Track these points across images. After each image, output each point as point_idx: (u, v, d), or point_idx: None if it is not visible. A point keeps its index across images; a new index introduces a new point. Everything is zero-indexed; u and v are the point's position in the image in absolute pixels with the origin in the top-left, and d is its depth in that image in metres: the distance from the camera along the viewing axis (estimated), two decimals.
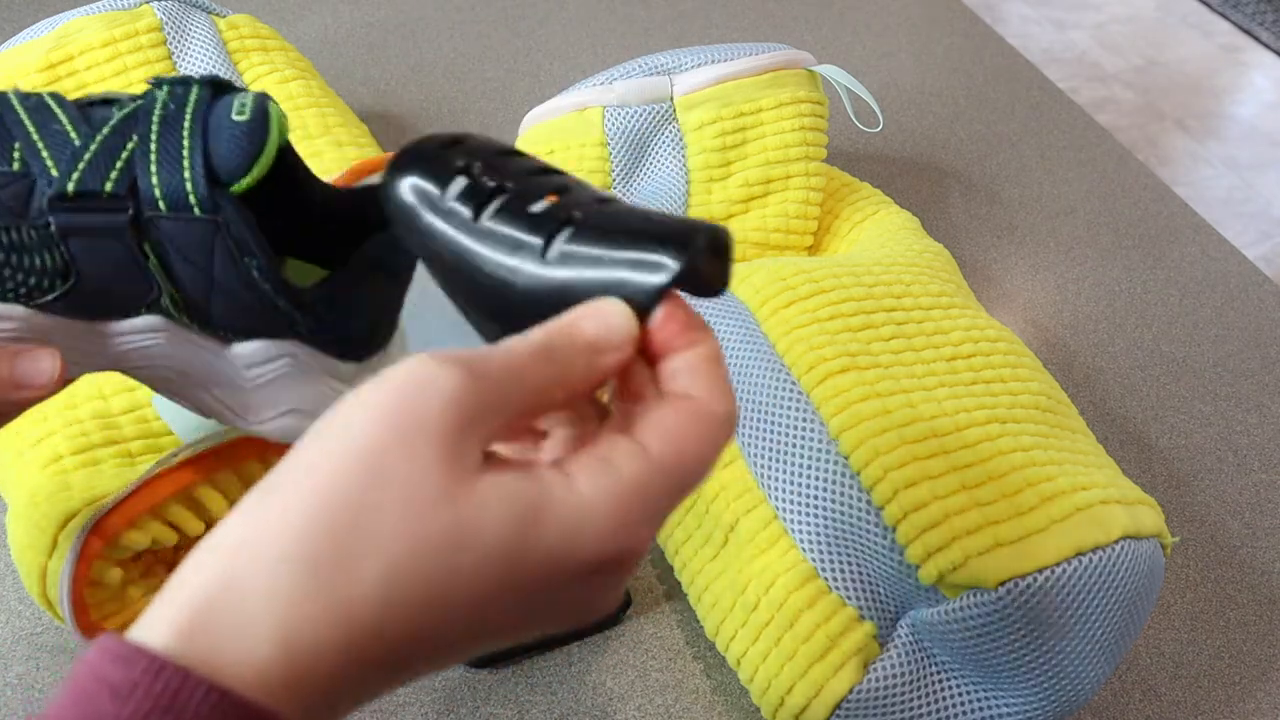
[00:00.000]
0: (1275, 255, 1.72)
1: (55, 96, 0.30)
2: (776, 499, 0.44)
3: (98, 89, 0.56)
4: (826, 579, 0.43)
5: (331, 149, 0.54)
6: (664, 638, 0.48)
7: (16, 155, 0.29)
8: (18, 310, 0.30)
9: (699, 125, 0.57)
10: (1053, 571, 0.38)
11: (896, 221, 0.59)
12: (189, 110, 0.29)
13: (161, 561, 0.44)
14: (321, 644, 0.19)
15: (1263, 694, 0.49)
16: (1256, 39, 2.21)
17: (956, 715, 0.41)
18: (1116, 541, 0.39)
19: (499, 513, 0.21)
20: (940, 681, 0.42)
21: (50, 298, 0.30)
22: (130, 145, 0.29)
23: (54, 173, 0.29)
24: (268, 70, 0.58)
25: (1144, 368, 0.64)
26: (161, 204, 0.29)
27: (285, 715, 0.19)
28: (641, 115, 0.58)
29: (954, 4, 0.92)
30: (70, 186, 0.29)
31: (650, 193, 0.59)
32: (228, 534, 0.21)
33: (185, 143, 0.29)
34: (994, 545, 0.39)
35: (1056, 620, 0.38)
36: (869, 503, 0.42)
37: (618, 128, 0.58)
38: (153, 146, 0.29)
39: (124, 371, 0.34)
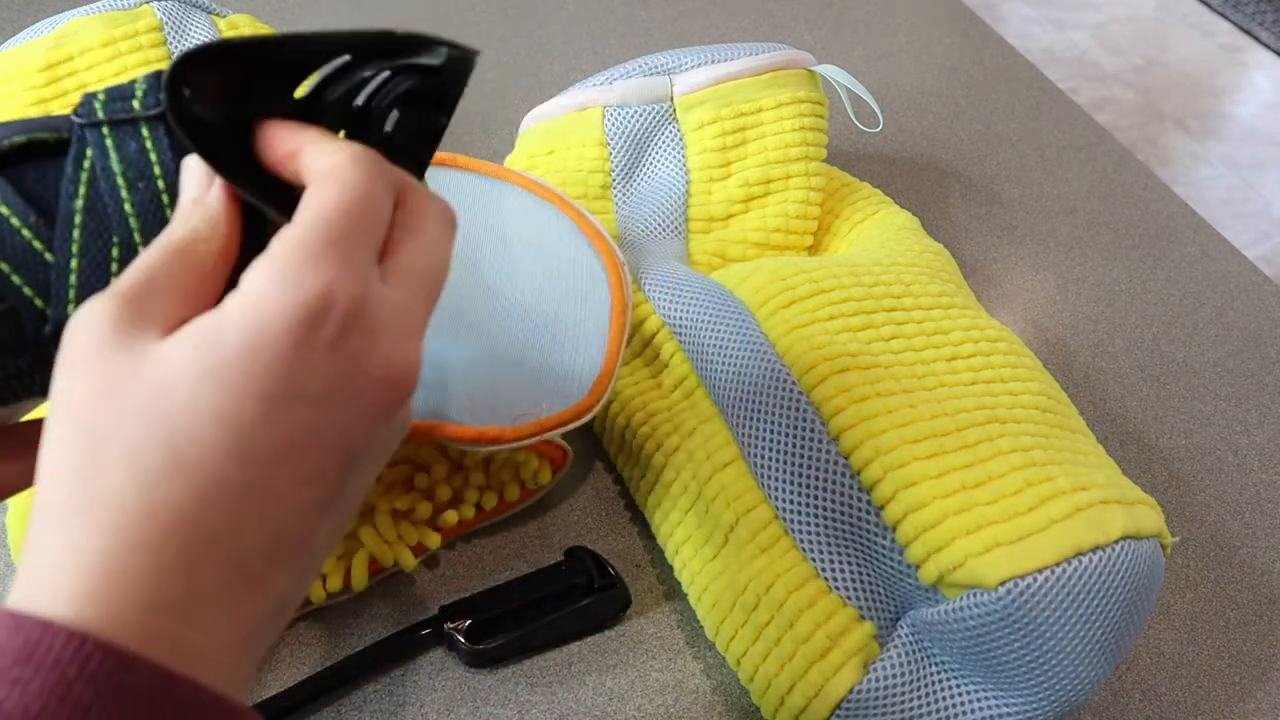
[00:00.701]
0: (1275, 255, 1.72)
1: None
2: (776, 499, 0.44)
3: (98, 89, 0.56)
4: (826, 579, 0.43)
5: None
6: (664, 638, 0.48)
7: None
8: None
9: (699, 125, 0.57)
10: (1053, 571, 0.38)
11: (896, 221, 0.59)
12: (154, 161, 0.26)
13: None
14: (108, 550, 0.20)
15: (1263, 694, 0.49)
16: (1256, 39, 2.21)
17: (956, 715, 0.41)
18: (1116, 541, 0.39)
19: (183, 350, 0.22)
20: (940, 681, 0.42)
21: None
22: (114, 248, 0.26)
23: (42, 306, 0.26)
24: None
25: (1144, 368, 0.64)
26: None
27: (99, 628, 0.19)
28: (641, 115, 0.58)
29: (954, 4, 0.92)
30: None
31: (650, 192, 0.59)
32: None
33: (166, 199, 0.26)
34: (994, 545, 0.39)
35: (1056, 620, 0.38)
36: (869, 503, 0.42)
37: (618, 128, 0.58)
38: (138, 241, 0.26)
39: None
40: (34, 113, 0.54)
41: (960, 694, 0.41)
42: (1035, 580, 0.38)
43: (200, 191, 0.25)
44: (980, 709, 0.41)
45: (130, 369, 0.21)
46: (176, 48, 0.58)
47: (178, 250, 0.24)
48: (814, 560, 0.44)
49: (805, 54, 0.60)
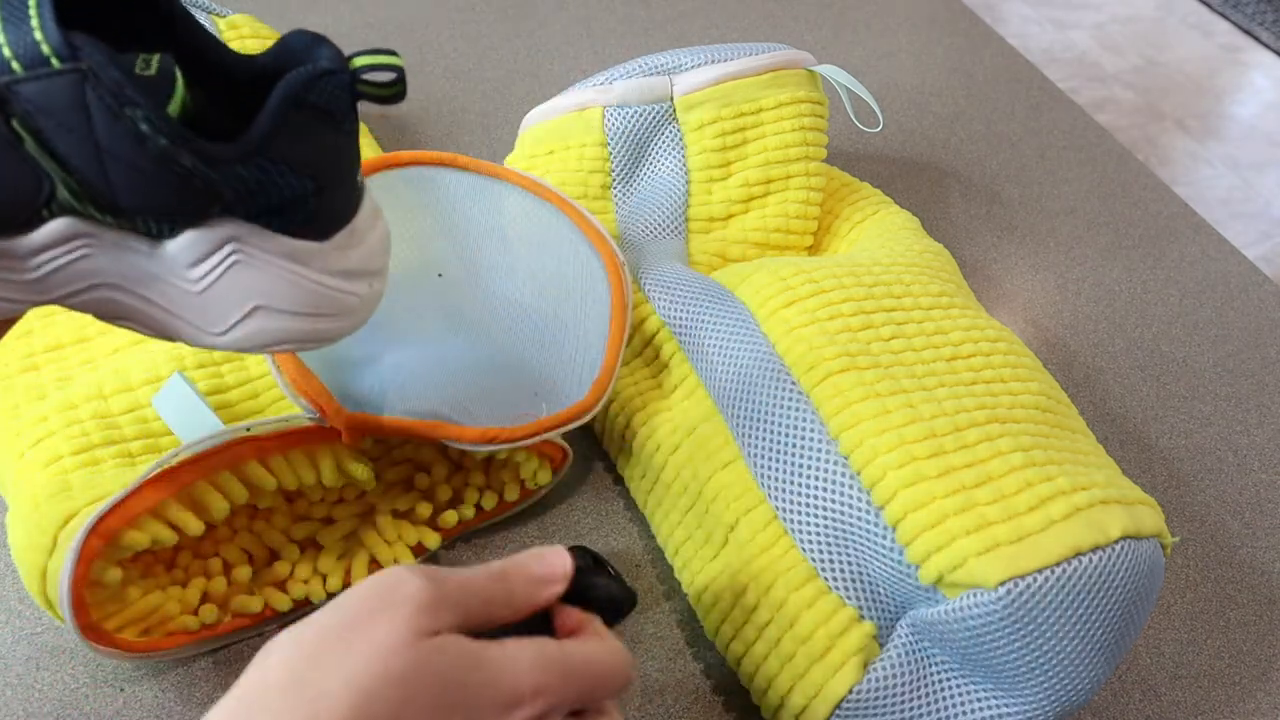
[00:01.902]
0: (1275, 255, 1.72)
1: None
2: (776, 499, 0.44)
3: None
4: (826, 579, 0.43)
5: None
6: (664, 638, 0.48)
7: None
8: None
9: (699, 125, 0.57)
10: (1052, 572, 0.38)
11: (896, 221, 0.59)
12: None
13: (161, 561, 0.44)
14: None
15: (1263, 694, 0.49)
16: (1256, 39, 2.21)
17: (956, 715, 0.41)
18: (1116, 542, 0.39)
19: (450, 656, 0.28)
20: (940, 681, 0.42)
21: None
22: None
23: None
24: None
25: (1144, 368, 0.64)
26: (15, 64, 0.25)
27: None
28: (641, 115, 0.58)
29: (954, 4, 0.92)
30: None
31: (650, 193, 0.59)
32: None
33: None
34: (993, 545, 0.39)
35: (1056, 620, 0.38)
36: (869, 503, 0.42)
37: (618, 128, 0.58)
38: None
39: (68, 305, 0.30)
40: None
41: (960, 694, 0.41)
42: (1035, 580, 0.38)
43: (558, 577, 0.34)
44: (980, 709, 0.41)
45: (412, 641, 0.28)
46: None
47: (485, 599, 0.31)
48: (814, 560, 0.44)
49: (805, 54, 0.60)
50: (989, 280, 0.68)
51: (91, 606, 0.40)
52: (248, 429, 0.41)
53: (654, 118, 0.58)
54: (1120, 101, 2.02)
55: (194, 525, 0.41)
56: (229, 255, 0.29)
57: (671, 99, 0.58)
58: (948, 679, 0.42)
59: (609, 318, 0.50)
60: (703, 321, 0.49)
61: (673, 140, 0.58)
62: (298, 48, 0.29)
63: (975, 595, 0.39)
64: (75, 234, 0.28)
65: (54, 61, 0.25)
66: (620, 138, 0.58)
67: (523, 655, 0.30)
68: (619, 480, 0.54)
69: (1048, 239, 0.71)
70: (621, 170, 0.59)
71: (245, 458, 0.42)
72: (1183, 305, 0.68)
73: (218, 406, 0.45)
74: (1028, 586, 0.38)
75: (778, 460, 0.44)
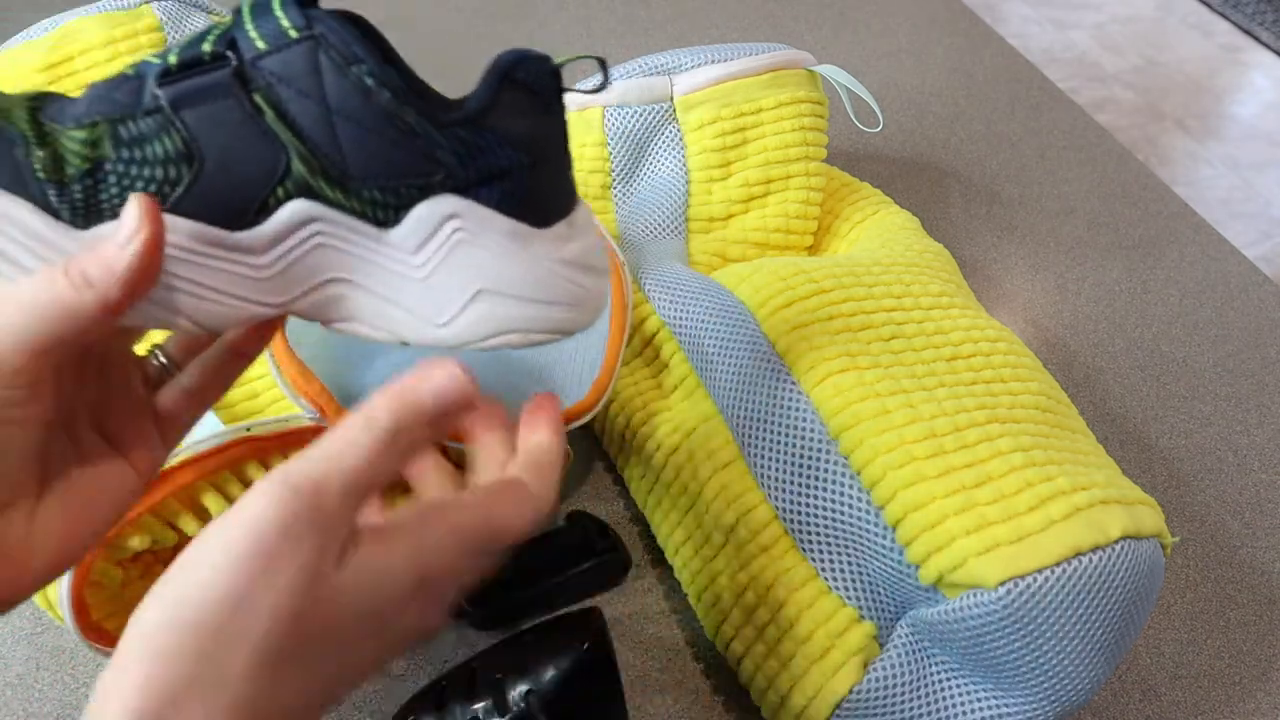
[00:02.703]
0: (1275, 255, 1.72)
1: None
2: (776, 499, 0.44)
3: None
4: (826, 579, 0.43)
5: None
6: (664, 638, 0.48)
7: (130, 71, 0.29)
8: None
9: (699, 125, 0.57)
10: (1052, 572, 0.38)
11: (896, 221, 0.59)
12: None
13: (161, 561, 0.45)
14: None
15: (1263, 694, 0.49)
16: (1256, 39, 2.21)
17: (956, 715, 0.41)
18: (1116, 542, 0.39)
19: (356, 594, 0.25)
20: (940, 681, 0.42)
21: (180, 190, 0.28)
22: (226, 19, 0.29)
23: (157, 61, 0.29)
24: None
25: (1144, 368, 0.64)
26: (260, 43, 0.28)
27: None
28: (641, 115, 0.58)
29: (954, 4, 0.92)
30: (173, 59, 0.28)
31: (650, 192, 0.59)
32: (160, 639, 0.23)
33: None
34: (993, 545, 0.39)
35: (1056, 620, 0.38)
36: (869, 503, 0.42)
37: (618, 127, 0.58)
38: (245, 11, 0.29)
39: (298, 309, 0.30)
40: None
41: (960, 694, 0.41)
42: (1035, 580, 0.38)
43: (456, 405, 0.29)
44: (980, 709, 0.41)
45: (310, 591, 0.24)
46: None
47: (382, 471, 0.27)
48: (814, 560, 0.44)
49: (805, 54, 0.60)
50: (989, 280, 0.68)
51: (92, 606, 0.40)
52: (247, 429, 0.41)
53: (654, 118, 0.58)
54: (1120, 101, 2.02)
55: (194, 525, 0.41)
56: (452, 234, 0.30)
57: (671, 99, 0.58)
58: (948, 679, 0.42)
59: (609, 318, 0.50)
60: (703, 321, 0.49)
61: (673, 140, 0.58)
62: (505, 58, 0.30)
63: (975, 595, 0.39)
64: (308, 217, 0.29)
65: (292, 33, 0.28)
66: (620, 137, 0.58)
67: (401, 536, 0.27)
68: (619, 480, 0.54)
69: (1048, 239, 0.71)
70: (621, 170, 0.59)
71: (245, 458, 0.42)
72: (1183, 305, 0.68)
73: (217, 406, 0.45)
74: (1028, 586, 0.38)
75: (778, 460, 0.44)
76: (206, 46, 0.28)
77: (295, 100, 0.28)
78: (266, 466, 0.42)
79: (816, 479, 0.43)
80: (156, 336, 0.33)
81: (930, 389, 0.44)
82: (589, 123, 0.58)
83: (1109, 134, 0.80)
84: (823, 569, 0.43)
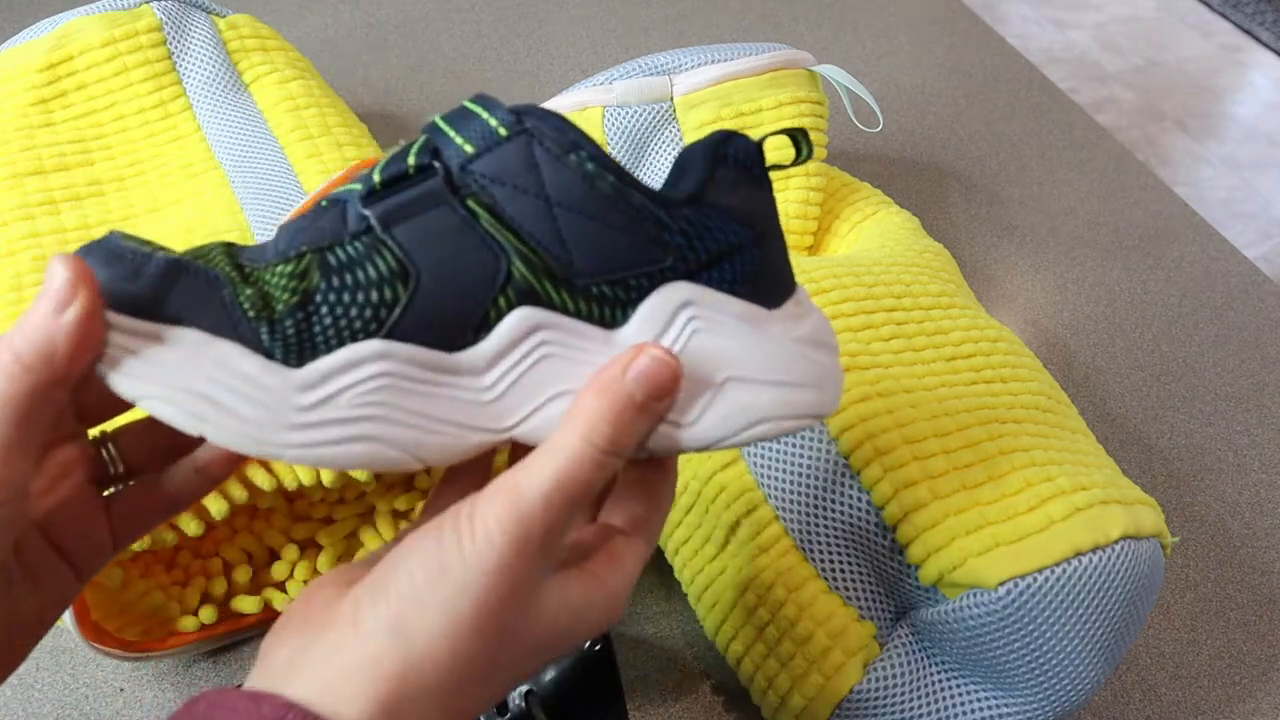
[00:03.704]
0: (1275, 255, 1.72)
1: None
2: (776, 499, 0.44)
3: (98, 89, 0.56)
4: (826, 579, 0.43)
5: (331, 149, 0.54)
6: (664, 638, 0.48)
7: (325, 203, 0.28)
8: (373, 346, 0.26)
9: (699, 125, 0.57)
10: (1052, 571, 0.38)
11: (896, 221, 0.59)
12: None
13: (161, 561, 0.45)
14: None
15: (1263, 694, 0.49)
16: (1256, 39, 2.21)
17: (956, 715, 0.41)
18: (1116, 542, 0.39)
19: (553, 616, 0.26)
20: (940, 681, 0.42)
21: (397, 311, 0.26)
22: (423, 135, 0.28)
23: (359, 187, 0.28)
24: (268, 70, 0.58)
25: (1144, 368, 0.64)
26: (467, 147, 0.27)
27: None
28: (641, 115, 0.58)
29: (954, 4, 0.92)
30: (376, 177, 0.27)
31: None
32: (404, 633, 0.24)
33: (470, 103, 0.28)
34: (994, 545, 0.39)
35: (1056, 620, 0.38)
36: (869, 503, 0.42)
37: (618, 128, 0.58)
38: (441, 122, 0.28)
39: (520, 434, 0.28)
40: (34, 112, 0.54)
41: (960, 694, 0.41)
42: (1035, 580, 0.38)
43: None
44: (980, 709, 0.41)
45: (526, 613, 0.26)
46: (176, 48, 0.58)
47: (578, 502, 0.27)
48: (814, 560, 0.44)
49: (805, 54, 0.60)
50: (989, 280, 0.68)
51: (92, 606, 0.40)
52: None
53: (654, 118, 0.58)
54: (1120, 101, 2.02)
55: (194, 525, 0.41)
56: (687, 323, 0.28)
57: (671, 99, 0.58)
58: (948, 679, 0.42)
59: None
60: None
61: (673, 140, 0.58)
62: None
63: (975, 595, 0.39)
64: (533, 326, 0.28)
65: (501, 131, 0.27)
66: (620, 138, 0.58)
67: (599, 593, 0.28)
68: None
69: (1048, 239, 0.71)
70: None
71: (246, 459, 0.41)
72: (1183, 305, 0.68)
73: None
74: (1028, 586, 0.38)
75: (778, 460, 0.44)
76: (411, 160, 0.27)
77: (512, 198, 0.27)
78: (266, 466, 0.42)
79: (817, 479, 0.43)
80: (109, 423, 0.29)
81: (930, 389, 0.44)
82: (589, 123, 0.58)
83: (1109, 134, 0.80)
84: (823, 569, 0.43)
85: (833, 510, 0.43)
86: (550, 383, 0.28)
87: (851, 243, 0.59)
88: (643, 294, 0.28)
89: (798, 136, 0.30)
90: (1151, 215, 0.74)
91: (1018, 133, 0.79)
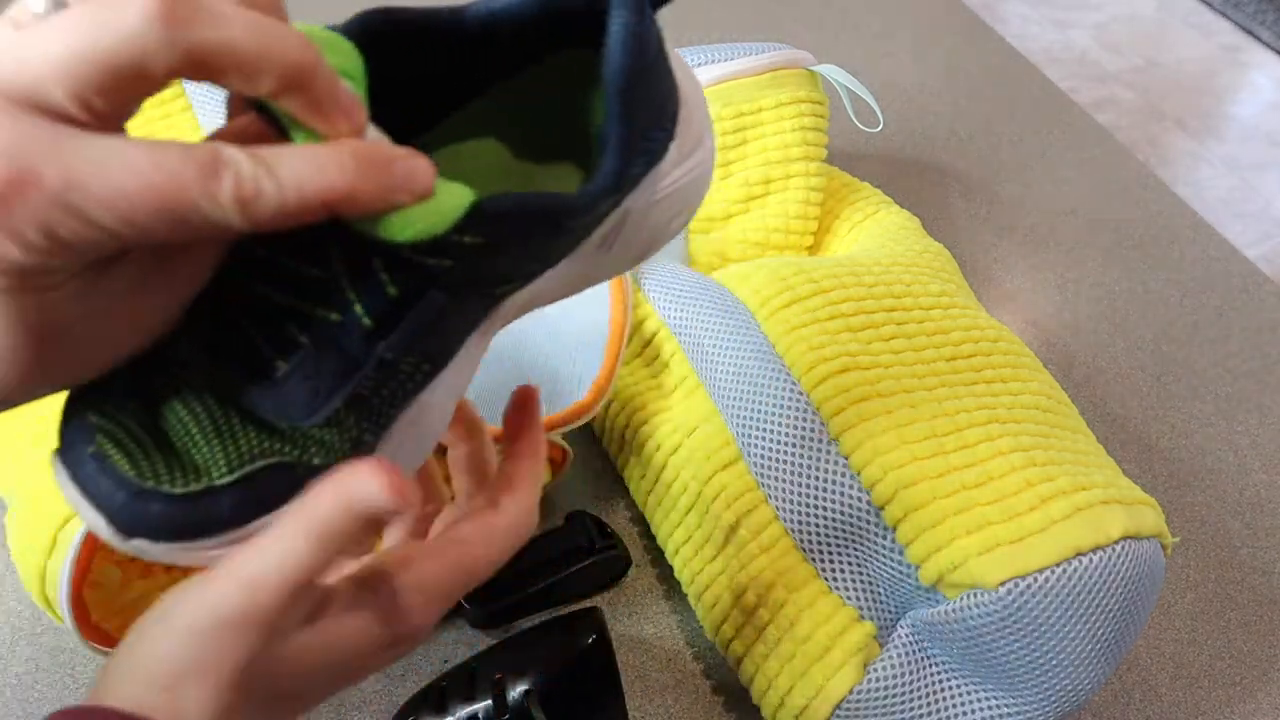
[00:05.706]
0: (1275, 255, 1.72)
1: None
2: (776, 499, 0.44)
3: None
4: (826, 579, 0.43)
5: None
6: (664, 638, 0.48)
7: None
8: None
9: None
10: (1053, 572, 0.38)
11: (896, 221, 0.59)
12: None
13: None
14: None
15: (1263, 694, 0.49)
16: (1257, 39, 2.21)
17: (956, 715, 0.41)
18: (1116, 542, 0.39)
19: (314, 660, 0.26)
20: (940, 681, 0.42)
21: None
22: None
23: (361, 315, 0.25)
24: None
25: (1144, 368, 0.64)
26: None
27: None
28: None
29: (954, 4, 0.92)
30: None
31: None
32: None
33: None
34: (994, 545, 0.39)
35: (1056, 620, 0.38)
36: (869, 503, 0.42)
37: None
38: None
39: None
40: None
41: (960, 694, 0.41)
42: (1035, 580, 0.38)
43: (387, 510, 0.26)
44: (980, 709, 0.41)
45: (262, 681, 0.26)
46: None
47: (314, 574, 0.26)
48: (814, 560, 0.44)
49: (805, 54, 0.59)
50: (989, 280, 0.68)
51: (91, 606, 0.40)
52: None
53: None
54: (1120, 101, 2.02)
55: None
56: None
57: None
58: (948, 679, 0.42)
59: (609, 318, 0.50)
60: (703, 321, 0.49)
61: None
62: None
63: (975, 595, 0.39)
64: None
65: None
66: None
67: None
68: (619, 480, 0.54)
69: (1048, 239, 0.71)
70: None
71: None
72: (1183, 305, 0.68)
73: None
74: (1028, 586, 0.38)
75: (778, 460, 0.44)
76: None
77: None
78: None
79: (817, 479, 0.43)
80: None
81: (930, 389, 0.44)
82: None
83: (1109, 134, 0.80)
84: (823, 569, 0.43)
85: (832, 510, 0.43)
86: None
87: (851, 243, 0.59)
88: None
89: None
90: (1151, 215, 0.74)
91: (1018, 133, 0.79)
